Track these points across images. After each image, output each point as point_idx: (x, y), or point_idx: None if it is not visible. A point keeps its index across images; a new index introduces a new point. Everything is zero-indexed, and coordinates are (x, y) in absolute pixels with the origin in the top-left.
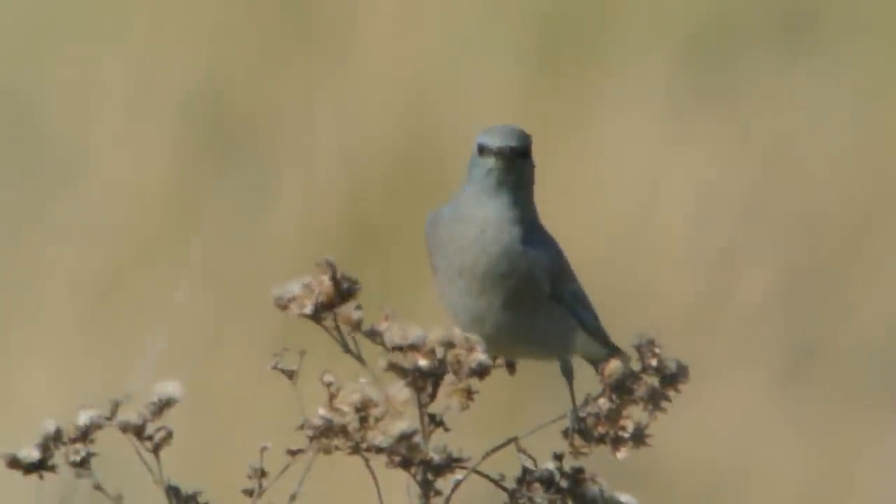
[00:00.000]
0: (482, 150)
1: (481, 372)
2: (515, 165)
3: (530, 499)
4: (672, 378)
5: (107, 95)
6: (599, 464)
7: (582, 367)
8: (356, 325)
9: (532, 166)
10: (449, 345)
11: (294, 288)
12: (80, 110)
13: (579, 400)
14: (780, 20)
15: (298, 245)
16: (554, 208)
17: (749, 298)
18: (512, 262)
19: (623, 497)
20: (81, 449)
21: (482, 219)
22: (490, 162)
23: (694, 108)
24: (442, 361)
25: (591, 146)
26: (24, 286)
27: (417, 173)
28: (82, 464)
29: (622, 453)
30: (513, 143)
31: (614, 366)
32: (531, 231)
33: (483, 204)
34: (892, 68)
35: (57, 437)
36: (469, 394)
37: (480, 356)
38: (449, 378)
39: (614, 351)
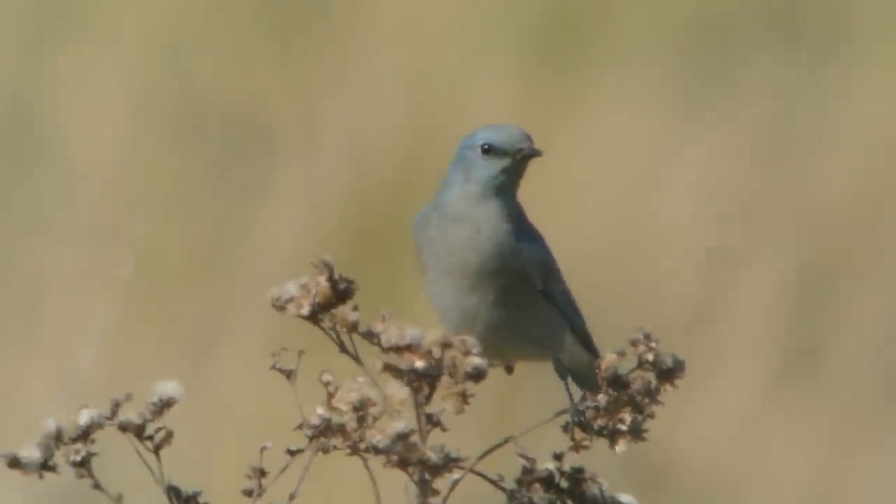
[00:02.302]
0: (491, 149)
1: (477, 375)
2: (526, 167)
3: (530, 499)
4: (668, 373)
5: (105, 94)
6: (599, 463)
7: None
8: (353, 327)
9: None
10: (446, 345)
11: (291, 289)
12: (79, 110)
13: (576, 397)
14: (779, 17)
15: (300, 245)
16: (553, 206)
17: (748, 298)
18: (505, 259)
19: (623, 497)
20: (82, 449)
21: (479, 218)
22: (504, 163)
23: (693, 105)
24: (438, 362)
25: (590, 143)
26: (25, 285)
27: (421, 172)
28: (83, 464)
29: (620, 446)
30: (525, 145)
31: (610, 360)
32: (522, 227)
33: (481, 204)
34: (891, 66)
35: (58, 437)
36: (465, 397)
37: (476, 360)
38: (445, 381)
39: (597, 357)
